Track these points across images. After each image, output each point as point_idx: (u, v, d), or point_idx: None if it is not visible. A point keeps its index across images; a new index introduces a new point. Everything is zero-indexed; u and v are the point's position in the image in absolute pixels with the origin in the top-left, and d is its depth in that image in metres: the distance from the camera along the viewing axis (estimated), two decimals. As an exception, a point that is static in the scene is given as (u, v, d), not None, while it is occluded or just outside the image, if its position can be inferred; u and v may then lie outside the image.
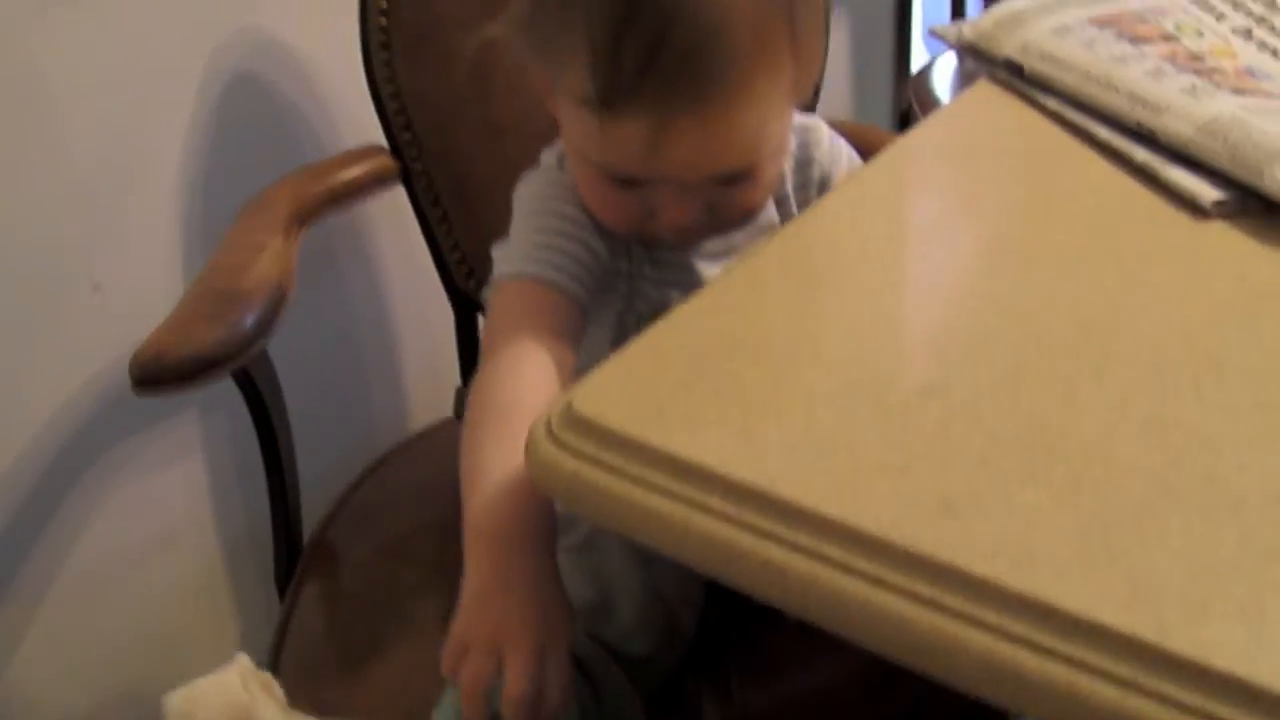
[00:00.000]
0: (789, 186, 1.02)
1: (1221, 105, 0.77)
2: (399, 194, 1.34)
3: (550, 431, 0.58)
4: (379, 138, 1.32)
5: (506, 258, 0.93)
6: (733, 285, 0.69)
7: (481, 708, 0.72)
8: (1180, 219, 0.74)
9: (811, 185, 1.03)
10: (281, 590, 1.20)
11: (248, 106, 1.41)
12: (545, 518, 0.77)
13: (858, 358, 0.62)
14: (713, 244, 0.99)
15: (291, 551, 1.21)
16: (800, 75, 0.86)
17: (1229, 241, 0.71)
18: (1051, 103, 0.86)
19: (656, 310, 0.98)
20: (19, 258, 1.23)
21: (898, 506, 0.52)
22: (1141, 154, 0.78)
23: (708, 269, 0.99)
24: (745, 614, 1.00)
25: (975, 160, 0.85)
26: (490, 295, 0.94)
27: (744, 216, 0.93)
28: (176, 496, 1.48)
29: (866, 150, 1.31)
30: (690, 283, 0.99)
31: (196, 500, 1.50)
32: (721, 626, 1.00)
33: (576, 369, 1.05)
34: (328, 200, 1.26)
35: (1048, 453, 0.55)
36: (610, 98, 0.81)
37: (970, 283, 0.69)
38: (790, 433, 0.56)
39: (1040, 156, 0.83)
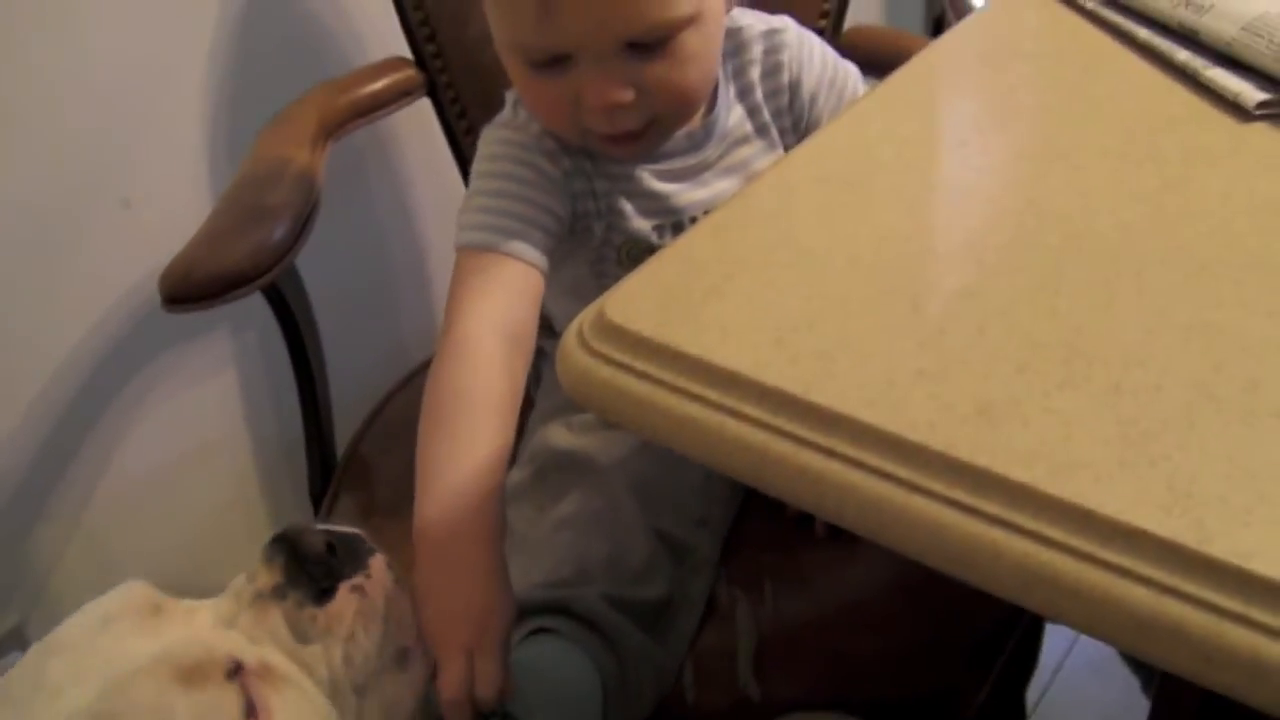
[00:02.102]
0: (759, 95, 1.00)
1: (1267, 3, 0.75)
2: (425, 106, 1.33)
3: (582, 339, 0.58)
4: (404, 50, 1.31)
5: (461, 225, 0.93)
6: (764, 193, 0.68)
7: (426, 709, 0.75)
8: (1223, 121, 0.72)
9: (783, 92, 1.01)
10: (316, 503, 1.20)
11: (272, 20, 1.40)
12: (487, 516, 0.79)
13: (893, 264, 0.61)
14: (681, 161, 0.98)
15: (325, 465, 1.21)
16: None
17: (1272, 143, 0.70)
18: (1090, 3, 0.84)
19: (634, 243, 0.98)
20: (49, 177, 1.23)
21: (934, 412, 0.51)
22: (1183, 55, 0.76)
23: (683, 192, 0.99)
24: (780, 525, 1.01)
25: (1012, 63, 0.83)
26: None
27: (677, 101, 0.91)
28: (210, 411, 1.48)
29: (899, 56, 1.30)
30: (665, 209, 0.98)
31: (230, 415, 1.51)
32: (757, 537, 1.01)
33: (559, 313, 1.05)
34: (353, 114, 1.25)
35: (1087, 358, 0.54)
36: None
37: (1007, 187, 0.68)
38: (825, 339, 0.56)
39: (1078, 59, 0.81)
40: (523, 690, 0.77)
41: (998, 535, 0.48)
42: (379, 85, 1.28)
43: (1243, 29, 0.74)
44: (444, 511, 0.79)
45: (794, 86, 1.00)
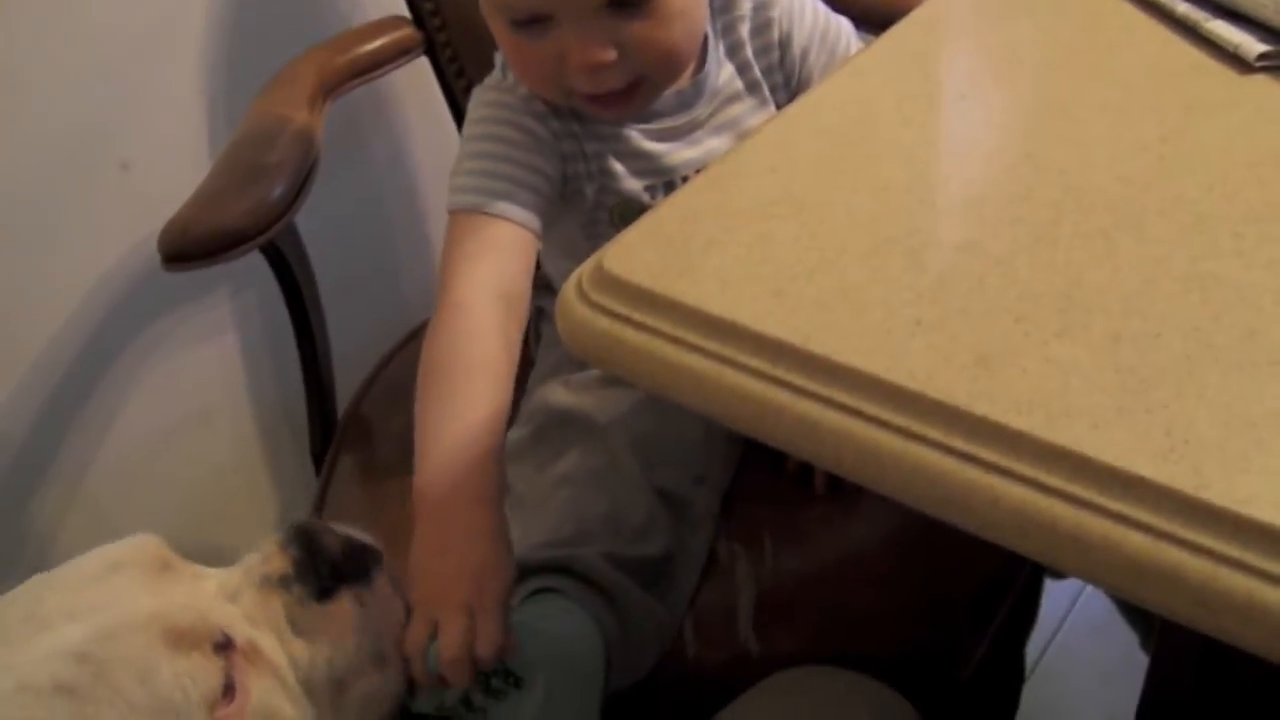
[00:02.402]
0: (749, 51, 1.00)
1: (1267, -45, 0.74)
2: (423, 65, 1.32)
3: (581, 291, 0.58)
4: (402, 9, 1.30)
5: (452, 188, 0.93)
6: (763, 146, 0.68)
7: (420, 668, 0.75)
8: (1223, 73, 0.72)
9: (773, 48, 1.00)
10: (317, 464, 1.21)
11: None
12: (486, 477, 0.79)
13: (892, 215, 0.61)
14: (671, 120, 0.98)
15: (326, 426, 1.22)
16: None
17: (1273, 96, 0.69)
18: (1090, -44, 0.84)
19: (626, 204, 0.98)
20: (47, 140, 1.22)
21: (933, 361, 0.52)
22: (1183, 7, 0.76)
23: (674, 152, 0.99)
24: (779, 481, 1.01)
25: (1011, 17, 0.83)
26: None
27: (662, 59, 0.91)
28: (210, 374, 1.48)
29: (894, 11, 1.29)
30: (656, 169, 0.98)
31: (230, 377, 1.51)
32: (756, 493, 1.01)
33: (555, 274, 1.05)
34: (352, 73, 1.25)
35: (1085, 308, 0.54)
36: None
37: (1006, 140, 0.68)
38: (824, 289, 0.56)
39: (1078, 12, 0.81)
40: (525, 649, 0.78)
41: (995, 482, 0.48)
42: (377, 44, 1.28)
43: (1243, -20, 0.74)
44: (443, 473, 0.80)
45: (784, 43, 1.00)
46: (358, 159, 1.54)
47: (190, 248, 0.96)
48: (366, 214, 1.58)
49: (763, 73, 1.00)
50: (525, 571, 0.86)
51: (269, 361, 1.52)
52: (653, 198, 0.99)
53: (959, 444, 0.49)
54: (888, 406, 0.50)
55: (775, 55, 1.00)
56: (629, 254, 0.59)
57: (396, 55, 1.28)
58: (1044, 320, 0.54)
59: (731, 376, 0.53)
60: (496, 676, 0.78)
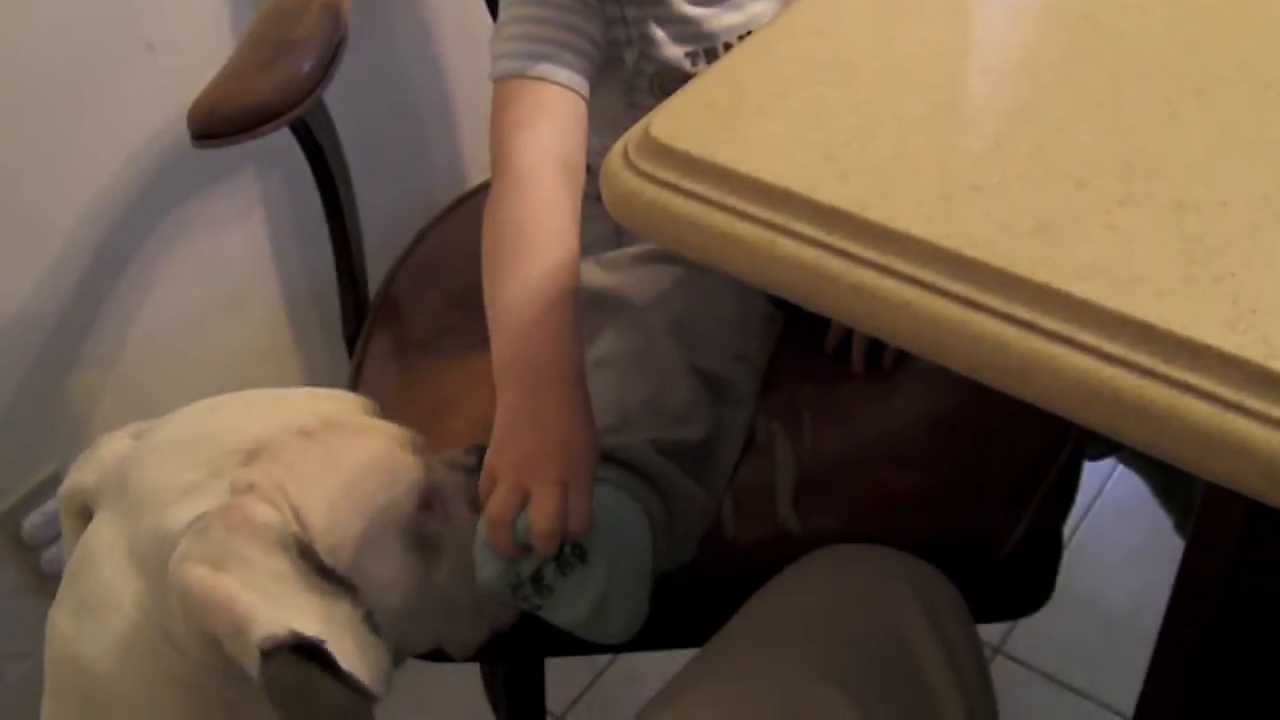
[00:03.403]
0: None
1: None
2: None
3: (627, 159, 0.56)
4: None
5: (494, 54, 0.91)
6: (811, 8, 0.66)
7: (507, 537, 0.75)
8: (1288, -66, 0.69)
9: None
10: (350, 345, 1.20)
11: None
12: (571, 351, 0.80)
13: (947, 80, 0.60)
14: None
15: (359, 306, 1.21)
16: None
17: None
18: None
19: (667, 71, 0.96)
20: (71, 22, 1.21)
21: (992, 228, 0.50)
22: None
23: (716, 17, 0.96)
24: (817, 359, 1.00)
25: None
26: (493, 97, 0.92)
27: None
28: (239, 257, 1.48)
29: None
30: (698, 34, 0.96)
31: (259, 260, 1.50)
32: (794, 372, 1.00)
33: (595, 146, 1.03)
34: (379, -55, 1.22)
35: (1148, 175, 0.53)
36: None
37: (1063, 2, 0.66)
38: (878, 156, 0.54)
39: None
40: (585, 535, 0.78)
41: (1057, 351, 0.47)
42: (403, -82, 1.25)
43: None
44: (524, 350, 0.80)
45: None
46: (384, 39, 1.51)
47: (219, 124, 0.95)
48: (394, 90, 1.56)
49: None
50: None
51: (298, 243, 1.51)
52: (694, 65, 0.96)
53: (1020, 312, 0.48)
54: (946, 274, 0.49)
55: None
56: (677, 120, 0.57)
57: (423, -72, 1.26)
58: (1106, 187, 0.52)
59: (785, 245, 0.52)
60: (569, 551, 0.78)
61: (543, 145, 0.86)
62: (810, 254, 0.51)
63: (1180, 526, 1.17)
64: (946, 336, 0.49)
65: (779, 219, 0.52)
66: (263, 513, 0.69)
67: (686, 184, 0.54)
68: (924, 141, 0.55)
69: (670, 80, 0.96)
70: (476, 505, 0.78)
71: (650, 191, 0.55)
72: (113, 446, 0.79)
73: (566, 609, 0.79)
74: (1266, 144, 0.54)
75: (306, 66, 1.00)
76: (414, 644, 0.80)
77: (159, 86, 1.29)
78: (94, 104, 1.25)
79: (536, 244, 0.83)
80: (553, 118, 0.87)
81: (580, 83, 0.89)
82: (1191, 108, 0.57)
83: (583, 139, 0.89)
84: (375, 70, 1.48)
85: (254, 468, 0.71)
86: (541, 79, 0.88)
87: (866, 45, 0.62)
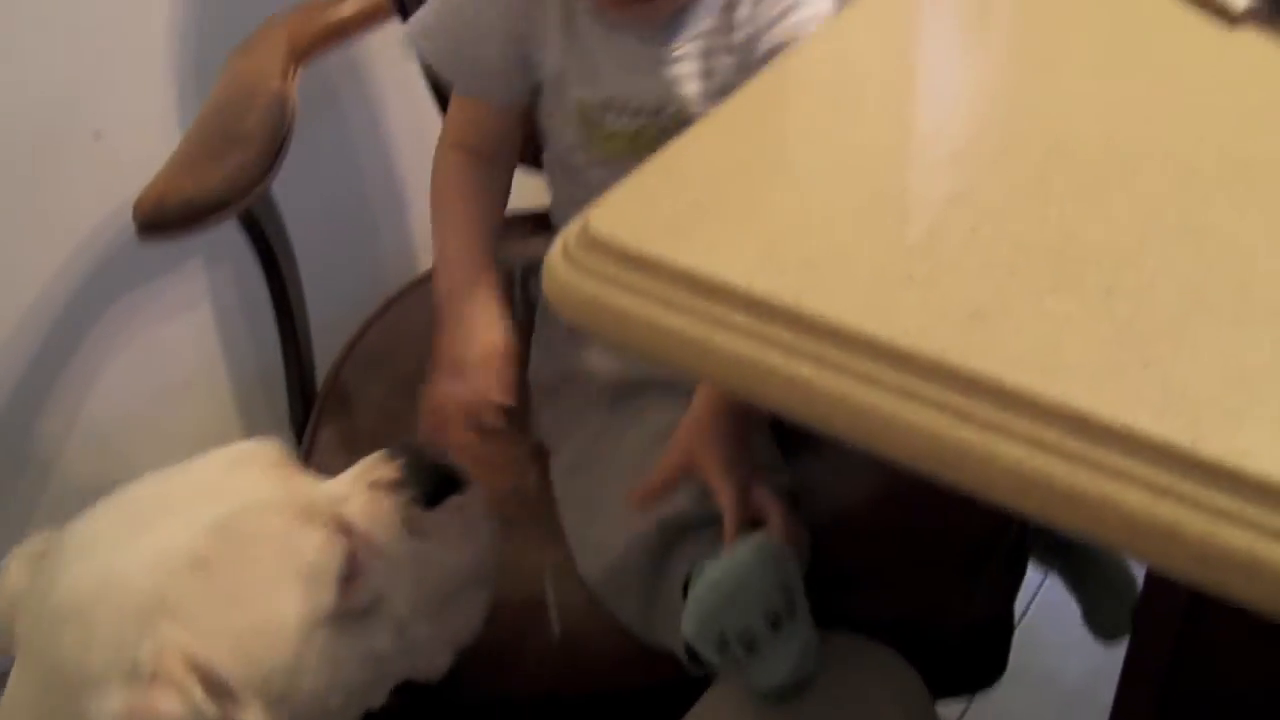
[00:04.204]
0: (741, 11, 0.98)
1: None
2: (397, 28, 1.30)
3: (567, 253, 0.57)
4: (374, -29, 1.29)
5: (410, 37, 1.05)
6: (748, 104, 0.67)
7: (457, 423, 0.92)
8: (1209, 27, 0.71)
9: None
10: (298, 434, 1.19)
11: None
12: (478, 276, 1.00)
13: (880, 171, 0.60)
14: (641, 47, 0.98)
15: (306, 395, 1.20)
16: None
17: (1259, 48, 0.69)
18: (1074, -93, 0.83)
19: (610, 100, 1.01)
20: (20, 108, 1.21)
21: (926, 318, 0.51)
22: (1169, -42, 0.75)
23: (638, 80, 0.99)
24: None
25: (995, -30, 0.82)
26: None
27: None
28: (187, 345, 1.47)
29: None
30: (619, 90, 0.99)
31: (207, 348, 1.50)
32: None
33: (552, 159, 1.11)
34: (324, 38, 1.24)
35: (1078, 261, 0.54)
36: None
37: (993, 93, 0.67)
38: (813, 247, 0.55)
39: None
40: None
41: (991, 440, 0.48)
42: (349, 9, 1.26)
43: (1229, -70, 0.73)
44: (448, 278, 1.01)
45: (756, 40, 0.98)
46: (333, 124, 1.52)
47: (166, 218, 0.95)
48: (343, 180, 1.57)
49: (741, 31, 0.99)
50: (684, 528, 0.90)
51: (246, 331, 1.51)
52: (604, 112, 1.01)
53: (954, 402, 0.48)
54: (881, 365, 0.50)
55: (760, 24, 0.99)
56: (615, 214, 0.58)
57: (368, 20, 1.27)
58: (1036, 274, 0.53)
59: (721, 338, 0.52)
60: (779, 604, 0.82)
61: (451, 135, 1.07)
62: (746, 347, 0.52)
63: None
64: (882, 428, 0.49)
65: (716, 312, 0.53)
66: (170, 709, 0.67)
67: (625, 278, 0.55)
68: (859, 233, 0.56)
69: (590, 115, 1.02)
70: (413, 523, 0.81)
71: (589, 286, 0.55)
72: (13, 578, 0.76)
73: (773, 667, 0.82)
74: (1192, 230, 0.55)
75: (253, 159, 1.01)
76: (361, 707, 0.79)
77: (106, 173, 1.29)
78: (42, 190, 1.25)
79: (446, 204, 1.06)
80: (463, 120, 1.07)
81: (498, 98, 1.05)
82: (1119, 195, 0.58)
83: (499, 132, 1.06)
84: (323, 157, 1.49)
85: (155, 638, 0.68)
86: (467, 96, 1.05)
87: (801, 138, 0.64)
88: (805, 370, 0.51)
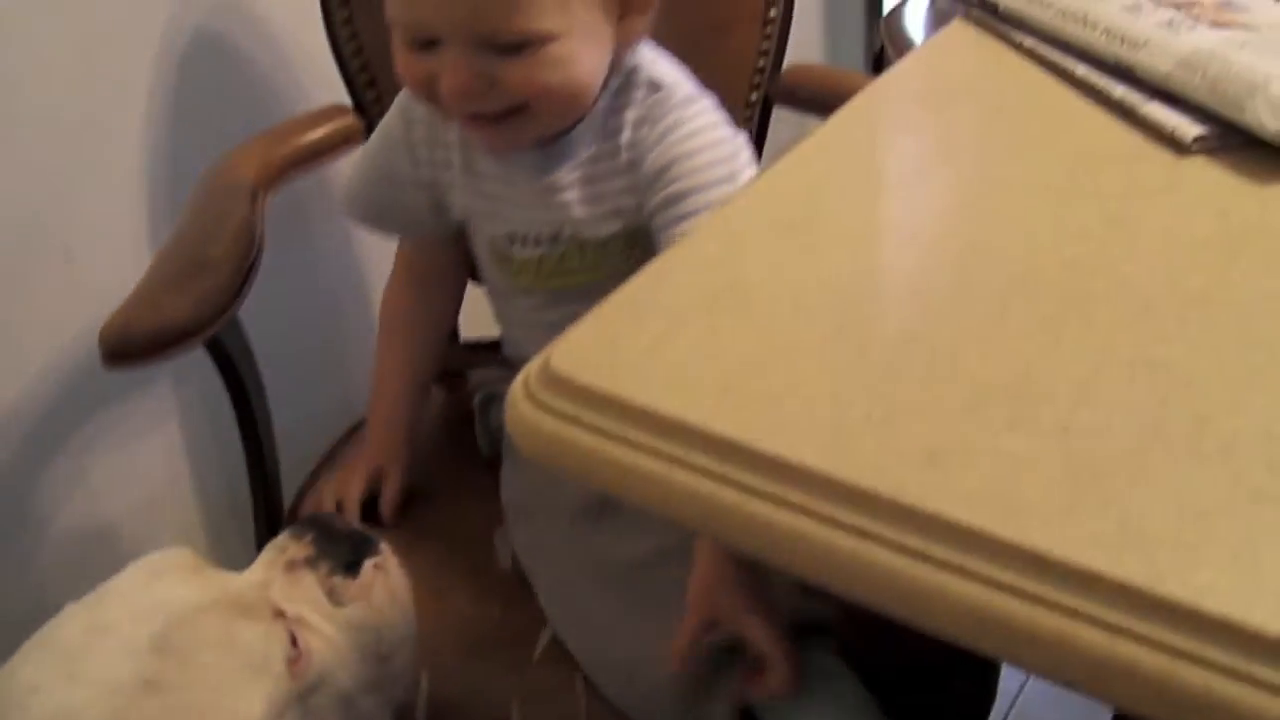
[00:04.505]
0: (623, 138, 1.00)
1: (1200, 39, 0.75)
2: (368, 151, 1.32)
3: (528, 391, 0.57)
4: (344, 96, 1.30)
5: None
6: (708, 237, 0.68)
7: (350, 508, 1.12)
8: (1161, 155, 0.72)
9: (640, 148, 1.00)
10: (264, 557, 1.18)
11: (211, 66, 1.39)
12: (395, 403, 1.18)
13: (839, 307, 0.61)
14: (530, 178, 1.01)
15: (272, 518, 1.19)
16: None
17: (1210, 177, 0.70)
18: (1028, 41, 0.85)
19: (513, 234, 1.06)
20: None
21: (883, 457, 0.51)
22: (1120, 90, 0.77)
23: (529, 210, 1.03)
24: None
25: (952, 102, 0.83)
26: None
27: (540, 97, 0.93)
28: (154, 467, 1.46)
29: (840, 94, 1.30)
30: (514, 219, 1.05)
31: (174, 470, 1.49)
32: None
33: (487, 287, 1.18)
34: (294, 162, 1.24)
35: (1034, 398, 0.54)
36: None
37: (950, 227, 0.68)
38: (773, 385, 0.55)
39: (1017, 96, 0.82)
40: None
41: (949, 580, 0.48)
42: (319, 133, 1.27)
43: (1178, 64, 0.74)
44: (373, 401, 1.20)
45: (641, 161, 1.00)
46: (301, 247, 1.53)
47: (131, 347, 0.95)
48: (312, 304, 1.57)
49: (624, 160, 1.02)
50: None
51: (213, 453, 1.50)
52: (510, 245, 1.06)
53: (912, 542, 0.48)
54: (840, 505, 0.50)
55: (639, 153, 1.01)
56: (576, 352, 0.58)
57: (339, 144, 1.28)
58: (993, 413, 0.53)
59: (681, 477, 0.52)
60: None
61: (399, 269, 1.21)
62: (706, 486, 0.52)
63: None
64: (841, 567, 0.49)
65: (676, 451, 0.53)
66: None
67: (586, 416, 0.55)
68: (816, 370, 0.56)
69: (499, 249, 1.08)
70: (337, 594, 0.83)
71: (550, 424, 0.56)
72: None
73: None
74: (1147, 363, 0.56)
75: (221, 287, 1.01)
76: None
77: (76, 294, 1.29)
78: (10, 309, 1.25)
79: (385, 332, 1.21)
80: (405, 257, 1.21)
81: (418, 234, 1.17)
82: (1075, 327, 0.59)
83: (438, 261, 1.19)
84: (292, 282, 1.49)
85: None
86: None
87: (761, 272, 0.64)
88: (764, 510, 0.51)
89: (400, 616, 0.86)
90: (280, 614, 0.77)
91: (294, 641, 0.76)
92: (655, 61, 1.02)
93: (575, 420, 0.55)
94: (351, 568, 0.85)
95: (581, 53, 0.93)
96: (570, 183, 1.00)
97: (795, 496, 0.50)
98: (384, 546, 0.89)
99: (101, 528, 1.41)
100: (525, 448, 0.57)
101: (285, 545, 0.85)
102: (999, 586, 0.47)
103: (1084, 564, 0.46)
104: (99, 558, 1.40)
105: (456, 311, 1.29)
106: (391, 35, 0.97)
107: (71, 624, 0.75)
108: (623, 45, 0.98)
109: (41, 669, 0.73)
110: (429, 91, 0.95)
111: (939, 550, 0.48)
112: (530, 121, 0.96)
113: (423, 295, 1.20)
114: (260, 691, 0.73)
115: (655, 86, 1.00)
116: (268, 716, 0.73)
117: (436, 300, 1.22)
